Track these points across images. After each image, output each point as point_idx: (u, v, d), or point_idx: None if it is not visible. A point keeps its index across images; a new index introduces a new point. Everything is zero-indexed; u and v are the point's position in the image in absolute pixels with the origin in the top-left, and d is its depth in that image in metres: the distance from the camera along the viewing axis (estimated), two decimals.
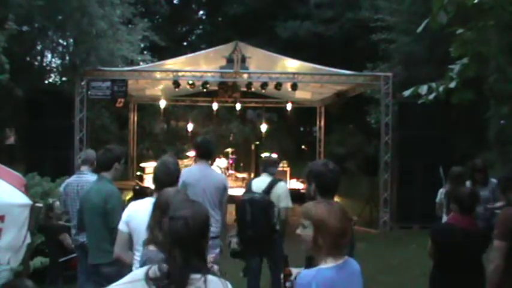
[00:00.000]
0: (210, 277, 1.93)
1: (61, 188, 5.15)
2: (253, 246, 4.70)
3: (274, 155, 15.15)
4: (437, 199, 5.92)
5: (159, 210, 2.60)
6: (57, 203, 5.80)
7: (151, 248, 2.56)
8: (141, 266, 2.38)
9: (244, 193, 4.89)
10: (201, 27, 25.40)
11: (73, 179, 5.02)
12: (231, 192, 14.79)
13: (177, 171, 3.46)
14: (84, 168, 5.00)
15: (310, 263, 2.55)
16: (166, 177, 3.32)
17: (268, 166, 5.09)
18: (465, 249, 3.48)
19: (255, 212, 4.60)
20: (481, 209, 5.39)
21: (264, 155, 15.48)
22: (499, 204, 5.33)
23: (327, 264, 2.09)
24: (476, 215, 3.83)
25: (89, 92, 10.27)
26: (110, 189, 3.96)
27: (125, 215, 3.30)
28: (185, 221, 1.89)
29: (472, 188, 3.82)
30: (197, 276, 1.89)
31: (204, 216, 1.97)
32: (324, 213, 2.12)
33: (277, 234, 4.69)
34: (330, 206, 2.17)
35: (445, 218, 5.69)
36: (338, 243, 2.11)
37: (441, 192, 5.89)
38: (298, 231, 2.19)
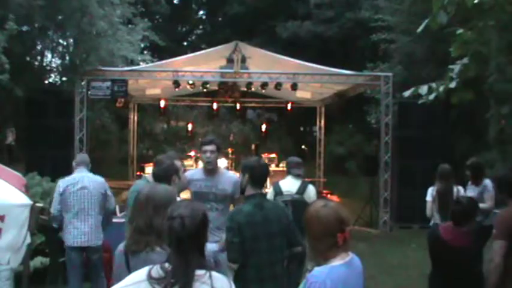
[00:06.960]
0: (214, 273, 1.95)
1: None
2: None
3: (273, 155, 15.16)
4: (428, 197, 5.73)
5: (138, 203, 2.60)
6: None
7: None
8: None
9: (277, 195, 4.81)
10: (201, 27, 25.42)
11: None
12: None
13: (170, 166, 3.77)
14: (80, 169, 5.04)
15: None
16: (160, 172, 3.71)
17: (290, 168, 5.07)
18: (455, 264, 3.47)
19: (297, 213, 4.53)
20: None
21: (264, 155, 15.54)
22: (482, 205, 5.22)
23: (338, 262, 2.11)
24: (474, 225, 3.66)
25: (89, 92, 10.27)
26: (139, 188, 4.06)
27: None
28: (181, 220, 1.92)
29: (470, 198, 3.75)
30: (201, 272, 1.92)
31: (200, 214, 2.00)
32: (307, 218, 2.18)
33: None
34: (314, 209, 2.20)
35: (436, 217, 5.65)
36: (335, 240, 2.11)
37: (431, 190, 5.76)
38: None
